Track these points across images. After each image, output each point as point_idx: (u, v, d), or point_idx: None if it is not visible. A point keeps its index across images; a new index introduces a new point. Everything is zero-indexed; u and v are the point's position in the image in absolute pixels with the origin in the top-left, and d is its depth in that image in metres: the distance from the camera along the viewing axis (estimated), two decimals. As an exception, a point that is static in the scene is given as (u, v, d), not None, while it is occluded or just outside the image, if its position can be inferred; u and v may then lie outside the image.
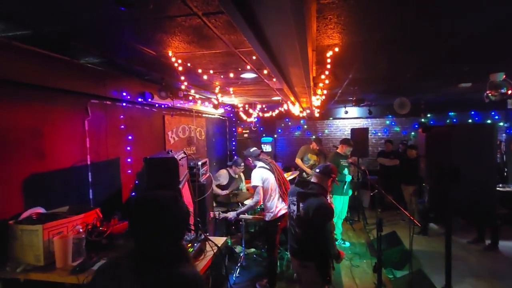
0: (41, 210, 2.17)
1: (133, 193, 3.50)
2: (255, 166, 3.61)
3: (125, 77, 3.38)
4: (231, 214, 3.75)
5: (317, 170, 2.70)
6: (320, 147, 6.33)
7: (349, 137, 6.20)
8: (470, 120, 7.36)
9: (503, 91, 3.40)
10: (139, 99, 3.63)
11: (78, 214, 2.20)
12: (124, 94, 3.34)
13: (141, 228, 1.08)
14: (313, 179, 2.69)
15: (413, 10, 1.81)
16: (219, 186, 4.78)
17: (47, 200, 2.36)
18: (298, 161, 6.21)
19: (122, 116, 3.36)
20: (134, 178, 3.51)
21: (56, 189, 2.53)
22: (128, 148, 3.43)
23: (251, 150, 3.74)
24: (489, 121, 7.07)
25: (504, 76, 3.38)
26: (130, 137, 3.45)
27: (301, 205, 2.55)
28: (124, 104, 3.40)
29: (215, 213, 3.89)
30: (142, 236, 1.07)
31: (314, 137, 7.45)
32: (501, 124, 7.06)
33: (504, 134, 6.96)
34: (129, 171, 3.43)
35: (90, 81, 2.88)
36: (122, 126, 3.36)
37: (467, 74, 3.65)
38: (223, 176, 4.85)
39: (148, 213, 1.08)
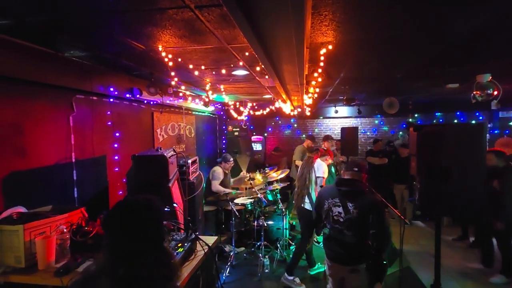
0: (21, 209, 2.06)
1: (120, 192, 3.40)
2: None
3: (113, 72, 3.27)
4: None
5: (355, 169, 2.49)
6: (314, 144, 6.30)
7: (339, 136, 6.23)
8: (455, 121, 7.54)
9: (489, 92, 3.48)
10: (127, 95, 3.52)
11: (62, 214, 2.10)
12: (111, 89, 3.23)
13: (118, 240, 1.03)
14: (350, 177, 2.49)
15: (408, 10, 1.81)
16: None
17: (28, 199, 2.25)
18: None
19: (109, 112, 3.25)
20: (122, 177, 3.41)
21: (38, 187, 2.42)
22: (116, 145, 3.32)
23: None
24: (473, 122, 7.26)
25: (490, 78, 3.46)
26: (117, 134, 3.35)
27: (349, 205, 2.36)
28: (111, 100, 3.29)
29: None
30: (119, 248, 1.01)
31: (304, 135, 7.42)
32: (485, 124, 7.27)
33: (487, 135, 7.17)
34: (117, 169, 3.33)
35: (75, 76, 2.77)
36: (109, 123, 3.25)
37: (455, 75, 3.71)
38: (220, 173, 4.81)
39: (123, 224, 1.04)
